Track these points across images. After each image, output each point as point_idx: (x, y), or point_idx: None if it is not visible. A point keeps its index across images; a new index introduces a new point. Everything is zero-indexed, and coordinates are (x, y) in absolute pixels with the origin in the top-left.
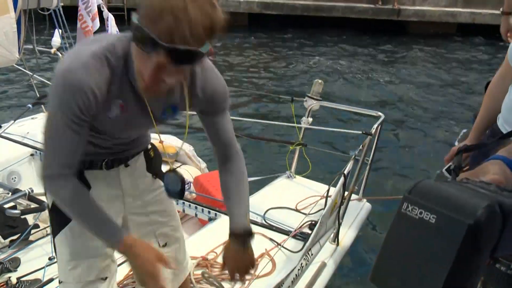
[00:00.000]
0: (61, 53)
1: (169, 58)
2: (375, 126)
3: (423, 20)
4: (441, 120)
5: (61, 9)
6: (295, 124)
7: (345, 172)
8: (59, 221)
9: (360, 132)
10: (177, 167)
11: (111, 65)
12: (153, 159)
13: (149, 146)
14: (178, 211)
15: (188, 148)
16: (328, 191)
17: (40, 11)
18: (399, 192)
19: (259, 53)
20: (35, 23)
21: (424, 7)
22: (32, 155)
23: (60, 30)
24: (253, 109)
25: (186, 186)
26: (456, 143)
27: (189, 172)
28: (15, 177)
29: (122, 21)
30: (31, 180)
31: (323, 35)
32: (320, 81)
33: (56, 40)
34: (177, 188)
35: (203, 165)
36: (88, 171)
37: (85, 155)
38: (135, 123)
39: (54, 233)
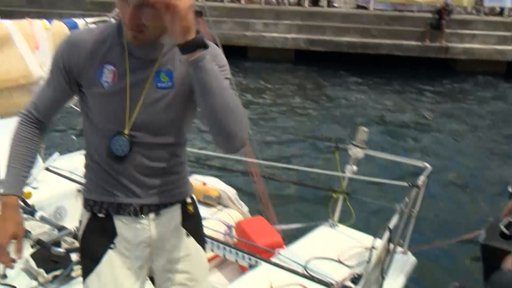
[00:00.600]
0: None
1: None
2: (422, 177)
3: (471, 58)
4: (489, 166)
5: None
6: (339, 173)
7: (391, 226)
8: (86, 265)
9: (407, 184)
10: (219, 211)
11: (103, 28)
12: (191, 215)
13: (189, 200)
14: (218, 256)
15: (230, 191)
16: (372, 243)
17: None
18: (444, 241)
19: (304, 91)
20: None
21: (473, 45)
22: (79, 191)
23: None
24: (295, 153)
25: (227, 230)
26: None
27: (231, 216)
28: (61, 213)
29: None
30: (77, 217)
31: (369, 72)
32: (365, 129)
33: None
34: (122, 153)
35: (245, 209)
36: (117, 217)
37: (103, 188)
38: (118, 100)
39: (83, 276)
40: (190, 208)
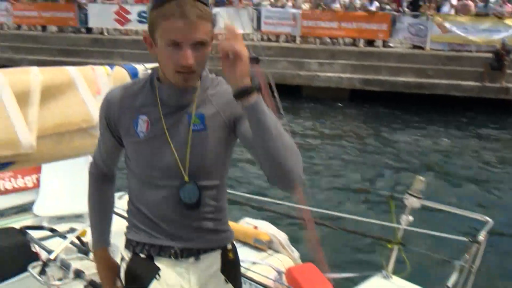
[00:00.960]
0: None
1: (170, 9)
2: (483, 232)
3: None
4: None
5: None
6: (394, 224)
7: (450, 284)
8: None
9: (467, 239)
10: (270, 255)
11: (136, 82)
12: (231, 262)
13: (230, 246)
14: None
15: (282, 236)
16: None
17: None
18: None
19: (358, 132)
20: None
21: None
22: None
23: None
24: (348, 199)
25: (277, 276)
26: None
27: (281, 262)
28: (114, 251)
29: None
30: None
31: (425, 113)
32: (422, 178)
33: None
34: (193, 200)
35: (296, 254)
36: (158, 258)
37: (146, 232)
38: (163, 149)
39: None
40: (230, 254)
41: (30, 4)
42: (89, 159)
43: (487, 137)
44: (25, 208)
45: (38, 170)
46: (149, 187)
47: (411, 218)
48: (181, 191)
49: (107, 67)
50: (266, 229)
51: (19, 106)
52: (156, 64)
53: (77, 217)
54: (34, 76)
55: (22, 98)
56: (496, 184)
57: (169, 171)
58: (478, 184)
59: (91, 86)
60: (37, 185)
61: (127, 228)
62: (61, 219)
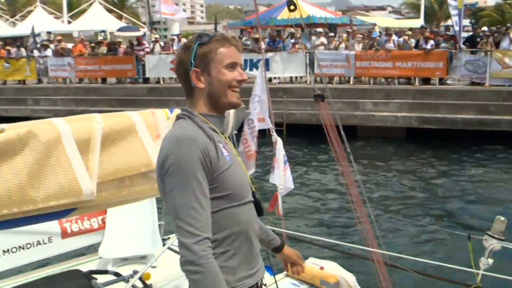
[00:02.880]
0: None
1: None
2: None
3: None
4: None
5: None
6: (473, 270)
7: None
8: None
9: None
10: None
11: (188, 122)
12: None
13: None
14: None
15: (350, 278)
16: None
17: None
18: None
19: (417, 170)
20: None
21: None
22: None
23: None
24: (420, 239)
25: None
26: None
27: None
28: None
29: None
30: None
31: (489, 151)
32: (502, 218)
33: None
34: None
35: None
36: None
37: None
38: (240, 166)
39: None
40: None
41: (91, 58)
42: (153, 200)
43: None
44: (91, 250)
45: (104, 211)
46: (240, 207)
47: (491, 261)
48: (256, 200)
49: (167, 111)
50: (333, 270)
51: (81, 153)
52: None
53: (142, 258)
54: (96, 123)
55: (84, 145)
56: None
57: (248, 186)
58: None
59: (151, 131)
60: (102, 227)
61: (229, 273)
62: (125, 260)
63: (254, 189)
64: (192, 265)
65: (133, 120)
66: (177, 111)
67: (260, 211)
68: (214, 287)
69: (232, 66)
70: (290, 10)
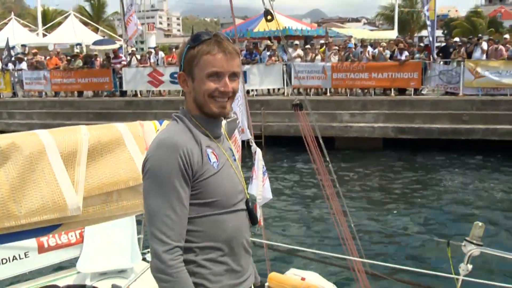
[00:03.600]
0: None
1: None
2: None
3: None
4: None
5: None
6: (452, 275)
7: None
8: None
9: None
10: None
11: (177, 124)
12: None
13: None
14: None
15: (331, 287)
16: None
17: None
18: None
19: (397, 179)
20: None
21: None
22: None
23: None
24: (401, 249)
25: None
26: None
27: None
28: None
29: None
30: None
31: (463, 158)
32: (480, 223)
33: None
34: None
35: None
36: None
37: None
38: (231, 173)
39: None
40: None
41: (67, 71)
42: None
43: None
44: (69, 264)
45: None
46: (228, 214)
47: (470, 266)
48: (249, 208)
49: (156, 123)
50: (314, 280)
51: (66, 167)
52: None
53: (120, 273)
54: (82, 135)
55: (70, 158)
56: None
57: (241, 193)
58: None
59: (139, 143)
60: (80, 241)
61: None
62: (103, 274)
63: (248, 197)
64: (161, 274)
65: (120, 132)
66: (166, 122)
67: (253, 221)
68: None
69: (216, 75)
70: (267, 20)
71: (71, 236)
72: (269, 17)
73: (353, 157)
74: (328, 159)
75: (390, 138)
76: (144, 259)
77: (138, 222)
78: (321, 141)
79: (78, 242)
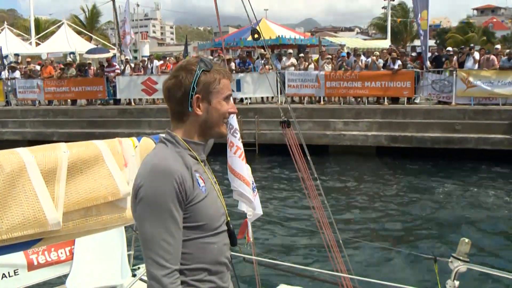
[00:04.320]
0: None
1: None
2: None
3: None
4: None
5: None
6: None
7: None
8: None
9: None
10: None
11: (167, 148)
12: None
13: None
14: None
15: None
16: None
17: None
18: None
19: (387, 188)
20: None
21: None
22: None
23: None
24: (389, 265)
25: None
26: None
27: None
28: None
29: (254, 156)
30: None
31: (455, 167)
32: (467, 240)
33: None
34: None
35: None
36: None
37: None
38: (215, 196)
39: None
40: None
41: (61, 80)
42: (122, 229)
43: None
44: (58, 282)
45: (71, 242)
46: (213, 237)
47: (457, 283)
48: (230, 230)
49: (134, 139)
50: None
51: (46, 183)
52: None
53: None
54: (62, 153)
55: (50, 175)
56: None
57: (223, 216)
58: None
59: (118, 159)
60: (70, 258)
61: None
62: None
63: (228, 219)
64: None
65: (99, 148)
66: (144, 139)
67: (233, 242)
68: None
69: (228, 97)
70: (254, 39)
71: (61, 253)
72: (256, 36)
73: (346, 165)
74: (315, 175)
75: (383, 147)
76: (134, 275)
77: (128, 238)
78: (309, 157)
79: (67, 259)
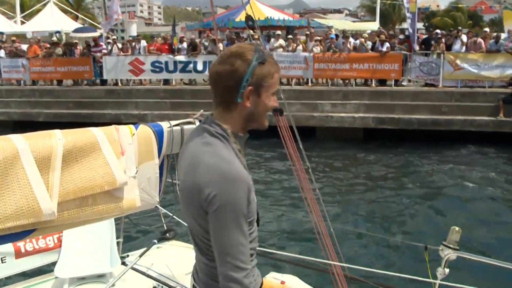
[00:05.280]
0: None
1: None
2: None
3: None
4: None
5: None
6: (430, 280)
7: None
8: None
9: None
10: None
11: (227, 145)
12: None
13: None
14: None
15: None
16: None
17: None
18: None
19: (375, 171)
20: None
21: None
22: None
23: None
24: (380, 253)
25: None
26: None
27: None
28: None
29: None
30: None
31: (442, 149)
32: (457, 228)
33: None
34: None
35: None
36: None
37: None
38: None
39: None
40: None
41: (47, 60)
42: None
43: (509, 172)
44: (46, 270)
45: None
46: (255, 227)
47: (447, 270)
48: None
49: (132, 127)
50: (294, 284)
51: (40, 172)
52: (183, 121)
53: (99, 277)
54: (57, 140)
55: (44, 163)
56: None
57: None
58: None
59: (115, 147)
60: (58, 246)
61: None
62: (82, 279)
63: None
64: None
65: (95, 136)
66: (142, 127)
67: (258, 222)
68: None
69: (275, 92)
70: (248, 26)
71: (49, 240)
72: (250, 23)
73: (334, 147)
74: (307, 163)
75: (370, 128)
76: (123, 263)
77: (117, 226)
78: (301, 147)
79: (56, 247)
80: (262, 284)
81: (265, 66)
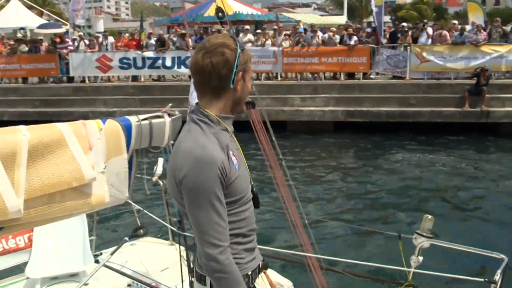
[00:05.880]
0: (162, 182)
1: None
2: (499, 272)
3: None
4: None
5: (171, 146)
6: (405, 268)
7: None
8: None
9: (482, 279)
10: None
11: (208, 129)
12: None
13: None
14: None
15: (287, 283)
16: None
17: (151, 150)
18: None
19: (346, 163)
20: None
21: None
22: (129, 285)
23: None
24: (354, 243)
25: None
26: None
27: None
28: None
29: None
30: None
31: (410, 140)
32: (430, 217)
33: (159, 169)
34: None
35: None
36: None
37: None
38: (243, 167)
39: None
40: None
41: (11, 57)
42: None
43: (475, 160)
44: (17, 270)
45: (30, 229)
46: (246, 207)
47: (421, 258)
48: (254, 194)
49: (99, 122)
50: (271, 277)
51: (5, 168)
52: (152, 115)
53: (72, 276)
54: (22, 136)
55: (9, 160)
56: (501, 209)
57: (249, 184)
58: (486, 218)
59: (82, 143)
60: (29, 245)
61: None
62: (55, 279)
63: (252, 183)
64: (219, 273)
65: (62, 132)
66: (110, 121)
67: (257, 204)
68: (237, 284)
69: None
70: (219, 18)
71: (19, 240)
72: (220, 15)
73: (304, 141)
74: (281, 156)
75: (340, 122)
76: (96, 262)
77: (90, 222)
78: (274, 138)
79: (26, 247)
80: (260, 268)
81: (245, 52)
